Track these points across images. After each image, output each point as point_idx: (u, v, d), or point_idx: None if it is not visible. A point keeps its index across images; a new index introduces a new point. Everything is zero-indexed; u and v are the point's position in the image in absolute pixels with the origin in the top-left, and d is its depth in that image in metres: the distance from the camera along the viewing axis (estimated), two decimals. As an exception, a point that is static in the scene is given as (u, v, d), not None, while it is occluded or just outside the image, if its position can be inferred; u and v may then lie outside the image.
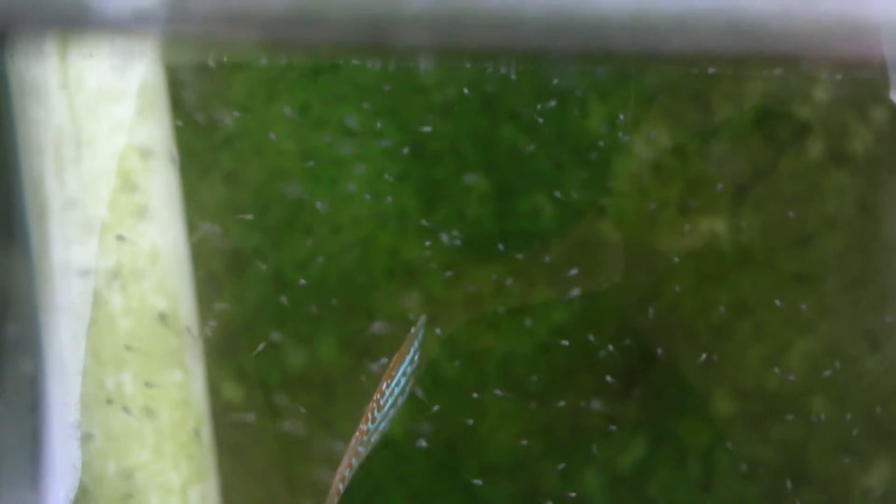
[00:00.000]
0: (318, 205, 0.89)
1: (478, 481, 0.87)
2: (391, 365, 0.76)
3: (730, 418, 0.88)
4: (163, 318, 0.85)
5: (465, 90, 0.88)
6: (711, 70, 0.88)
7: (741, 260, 0.88)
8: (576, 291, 0.88)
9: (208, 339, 0.87)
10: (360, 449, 0.74)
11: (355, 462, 0.74)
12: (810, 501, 0.87)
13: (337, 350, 0.89)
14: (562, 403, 0.88)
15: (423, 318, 0.78)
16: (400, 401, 0.76)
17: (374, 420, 0.75)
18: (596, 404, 0.88)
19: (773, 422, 0.87)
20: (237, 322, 0.89)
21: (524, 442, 0.88)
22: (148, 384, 0.84)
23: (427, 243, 0.89)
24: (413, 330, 0.76)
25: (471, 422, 0.88)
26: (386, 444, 0.89)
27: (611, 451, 0.88)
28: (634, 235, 0.88)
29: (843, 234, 0.88)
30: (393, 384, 0.76)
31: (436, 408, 0.88)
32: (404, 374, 0.76)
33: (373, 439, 0.75)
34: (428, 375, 0.88)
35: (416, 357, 0.77)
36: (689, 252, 0.88)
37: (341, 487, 0.74)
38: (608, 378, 0.88)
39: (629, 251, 0.88)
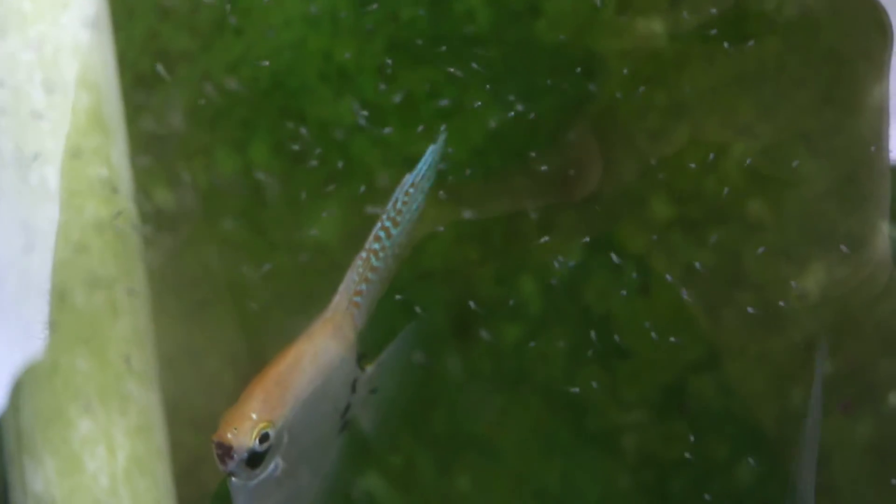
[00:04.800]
0: (249, 5, 0.87)
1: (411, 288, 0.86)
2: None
3: (667, 223, 0.87)
4: (90, 116, 0.83)
5: None
6: None
7: (679, 61, 0.86)
8: (511, 95, 0.87)
9: (135, 140, 0.86)
10: (370, 274, 0.73)
11: (371, 276, 0.73)
12: (747, 305, 0.86)
13: (268, 154, 0.87)
14: (497, 208, 0.87)
15: (444, 130, 0.76)
16: (408, 215, 0.74)
17: (378, 239, 0.73)
18: (531, 209, 0.87)
19: (710, 226, 0.86)
20: (166, 125, 0.87)
21: (459, 248, 0.87)
22: (73, 183, 0.82)
23: (360, 45, 0.87)
24: (433, 146, 0.74)
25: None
26: (319, 250, 0.88)
27: (546, 257, 0.87)
28: (571, 37, 0.87)
29: (782, 35, 0.86)
30: (401, 195, 0.73)
31: (368, 210, 0.86)
32: (413, 186, 0.74)
33: (384, 255, 0.73)
34: (362, 181, 0.87)
35: (428, 169, 0.74)
36: (627, 53, 0.86)
37: (359, 300, 0.72)
38: (544, 183, 0.87)
39: (565, 53, 0.87)
